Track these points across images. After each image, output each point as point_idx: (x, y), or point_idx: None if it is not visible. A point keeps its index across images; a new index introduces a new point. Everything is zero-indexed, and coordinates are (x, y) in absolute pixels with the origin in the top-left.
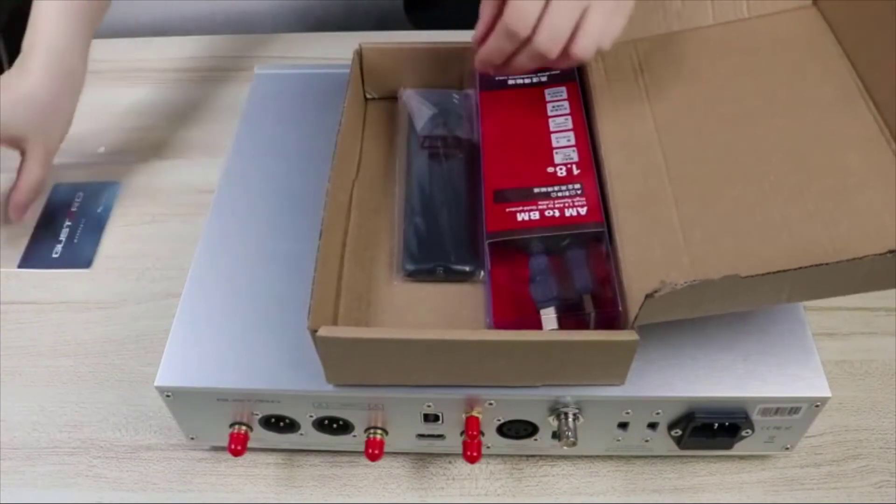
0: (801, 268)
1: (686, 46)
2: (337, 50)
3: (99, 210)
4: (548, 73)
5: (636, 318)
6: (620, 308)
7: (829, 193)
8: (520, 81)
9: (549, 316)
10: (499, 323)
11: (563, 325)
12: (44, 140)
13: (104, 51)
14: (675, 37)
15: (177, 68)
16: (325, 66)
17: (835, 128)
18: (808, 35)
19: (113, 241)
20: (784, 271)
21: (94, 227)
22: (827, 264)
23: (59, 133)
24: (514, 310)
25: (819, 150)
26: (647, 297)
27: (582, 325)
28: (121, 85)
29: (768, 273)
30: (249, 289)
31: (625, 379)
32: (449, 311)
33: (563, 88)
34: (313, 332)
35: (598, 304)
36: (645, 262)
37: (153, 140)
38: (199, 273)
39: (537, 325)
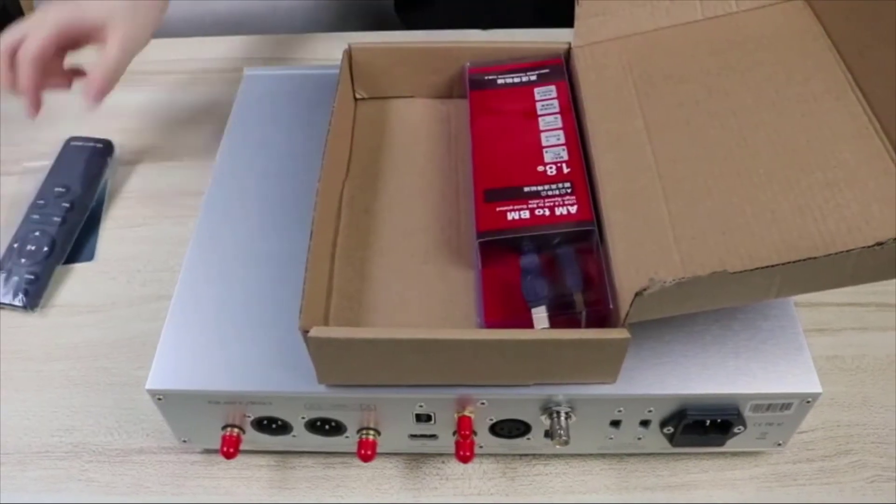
0: (789, 262)
1: (674, 42)
2: (327, 51)
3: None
4: (537, 73)
5: (626, 315)
6: (611, 306)
7: (819, 187)
8: (509, 81)
9: (540, 315)
10: (490, 322)
11: (554, 323)
12: (126, 25)
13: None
14: (664, 33)
15: (165, 71)
16: (314, 66)
17: (824, 121)
18: (796, 28)
19: (103, 244)
20: (773, 266)
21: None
22: (815, 258)
23: (143, 23)
24: (505, 309)
25: (809, 143)
26: (637, 294)
27: (573, 323)
28: None
29: (757, 268)
30: (240, 290)
31: (617, 377)
32: (441, 313)
33: (553, 87)
34: (304, 332)
35: (589, 302)
36: (635, 260)
37: (143, 143)
38: (189, 275)
39: (529, 323)
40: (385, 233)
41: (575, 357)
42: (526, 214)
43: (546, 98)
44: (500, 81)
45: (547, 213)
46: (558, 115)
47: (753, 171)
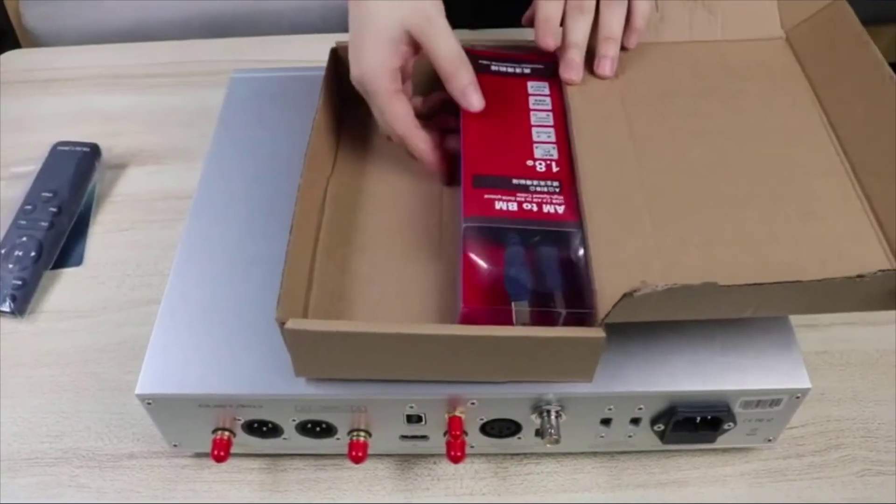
0: (778, 282)
1: (661, 58)
2: (314, 52)
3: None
4: (531, 66)
5: (607, 315)
6: (590, 310)
7: (794, 217)
8: (503, 69)
9: (521, 309)
10: (469, 306)
11: (534, 320)
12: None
13: (80, 57)
14: (651, 47)
15: (153, 74)
16: (301, 68)
17: (799, 156)
18: (777, 66)
19: (92, 249)
20: (761, 284)
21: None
22: (802, 282)
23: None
24: (485, 297)
25: (784, 175)
26: (626, 295)
27: (551, 322)
28: (97, 91)
29: (745, 285)
30: (229, 293)
31: (592, 376)
32: (420, 308)
33: (546, 84)
34: (281, 324)
35: (569, 304)
36: (616, 263)
37: (130, 146)
38: (178, 279)
39: (507, 313)
40: (368, 229)
41: (550, 355)
42: (514, 207)
43: (539, 94)
44: (493, 68)
45: (535, 208)
46: (550, 113)
47: (732, 194)
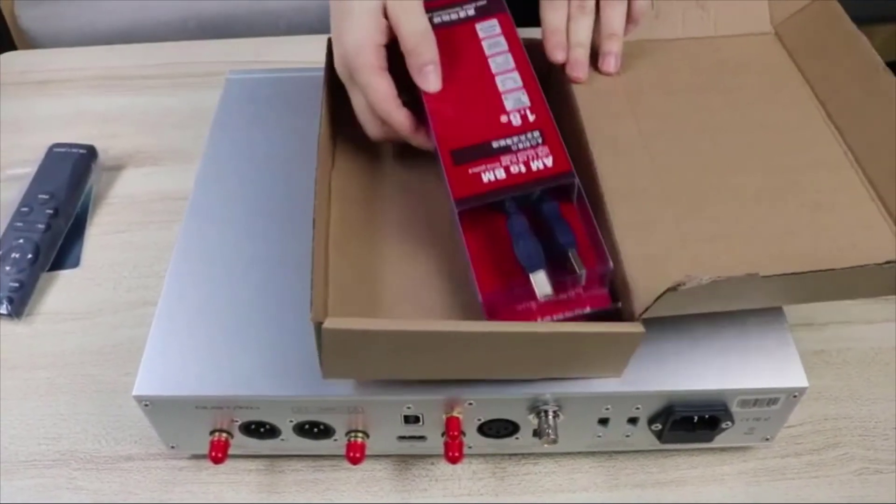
0: (813, 271)
1: (657, 55)
2: (311, 52)
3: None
4: (474, 5)
5: (647, 309)
6: (611, 265)
7: (805, 209)
8: (447, 18)
9: (539, 279)
10: (487, 294)
11: (556, 287)
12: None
13: (76, 59)
14: (646, 44)
15: (150, 75)
16: (297, 69)
17: (801, 148)
18: (770, 60)
19: (89, 250)
20: (797, 274)
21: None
22: (835, 270)
23: None
24: (501, 278)
25: (789, 168)
26: (669, 289)
27: (575, 283)
28: (93, 93)
29: (784, 274)
30: (226, 294)
31: (623, 371)
32: (438, 299)
33: (495, 21)
34: (318, 324)
35: (585, 258)
36: (645, 257)
37: (126, 148)
38: (174, 280)
39: (529, 289)
40: (376, 222)
41: (589, 349)
42: (501, 174)
43: (491, 35)
44: (437, 20)
45: (523, 169)
46: (508, 55)
47: (743, 187)
